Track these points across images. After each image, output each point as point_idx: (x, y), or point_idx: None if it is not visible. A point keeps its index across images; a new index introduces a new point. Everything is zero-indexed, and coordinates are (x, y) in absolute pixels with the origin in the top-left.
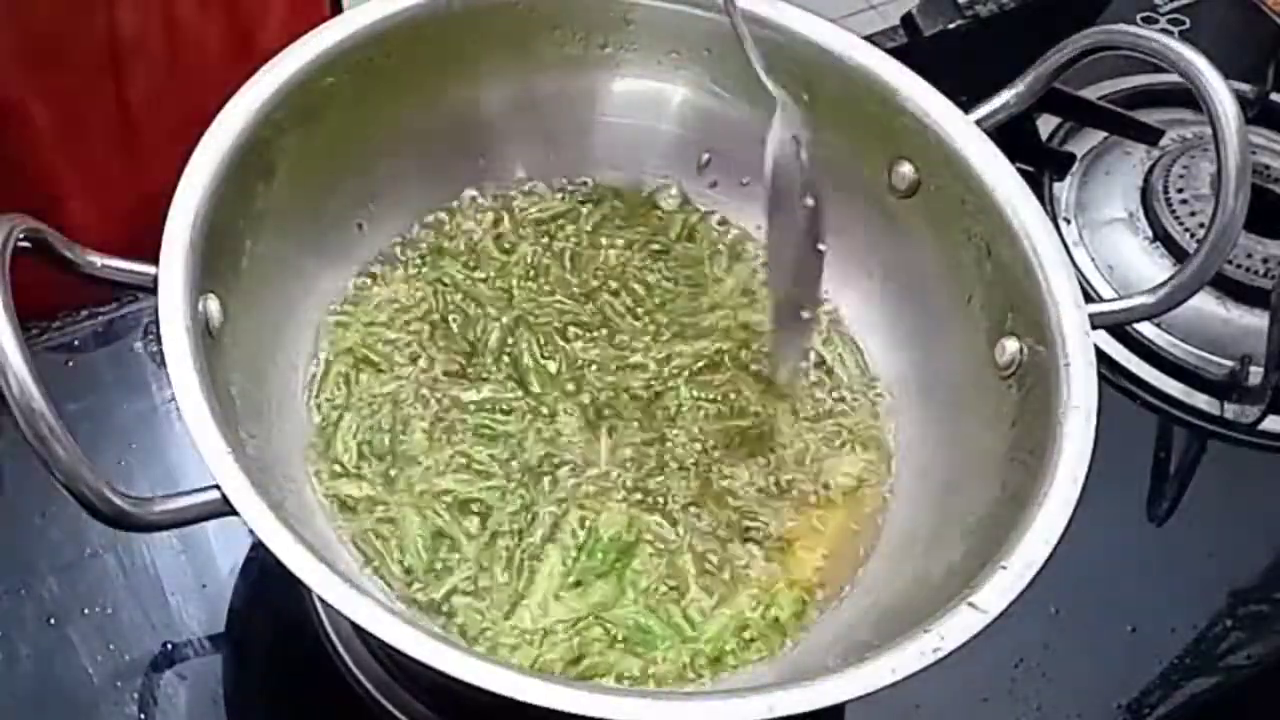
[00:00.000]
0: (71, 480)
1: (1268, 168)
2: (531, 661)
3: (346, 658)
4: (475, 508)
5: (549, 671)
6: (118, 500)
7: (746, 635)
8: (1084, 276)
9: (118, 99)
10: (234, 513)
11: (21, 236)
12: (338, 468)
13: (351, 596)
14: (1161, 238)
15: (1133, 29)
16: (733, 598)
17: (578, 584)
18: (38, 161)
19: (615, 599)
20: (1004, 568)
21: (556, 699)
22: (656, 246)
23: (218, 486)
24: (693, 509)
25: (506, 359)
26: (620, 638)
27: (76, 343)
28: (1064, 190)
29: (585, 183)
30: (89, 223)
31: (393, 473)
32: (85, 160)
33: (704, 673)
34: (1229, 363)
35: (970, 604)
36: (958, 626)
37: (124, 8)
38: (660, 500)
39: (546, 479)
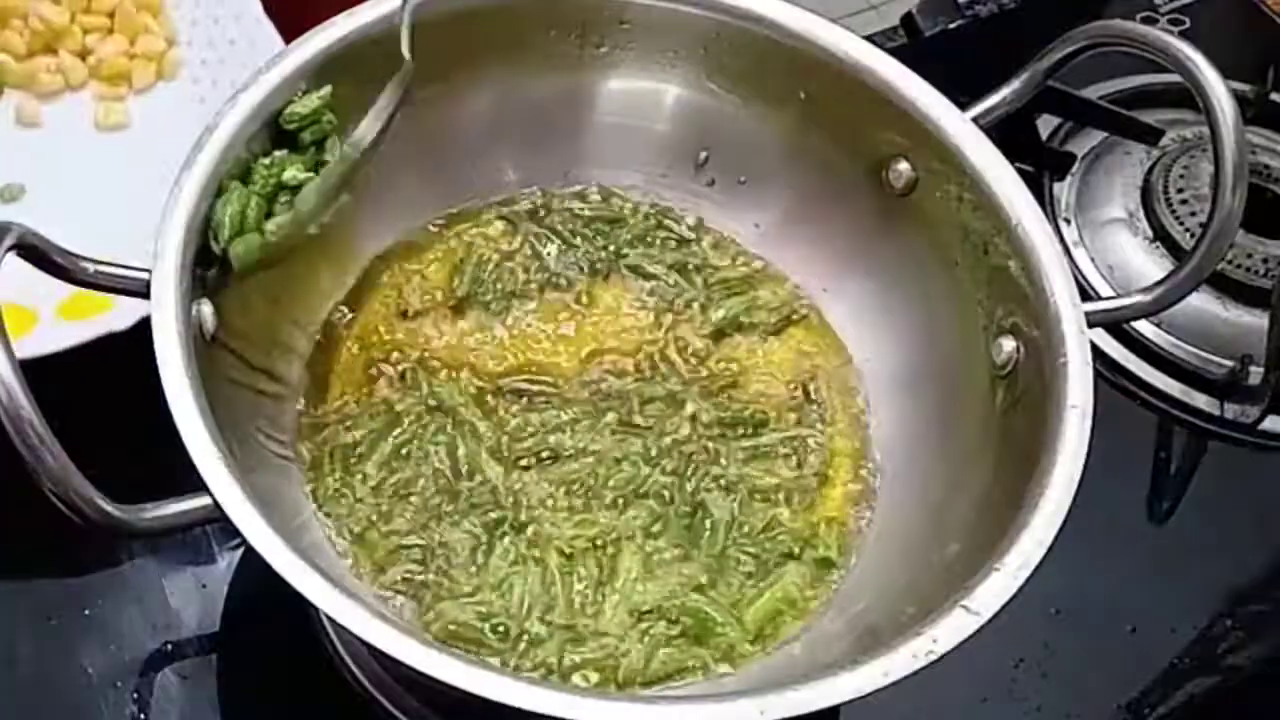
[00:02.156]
0: (61, 488)
1: (1267, 167)
2: (612, 674)
3: (346, 657)
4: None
5: (631, 681)
6: (108, 508)
7: (795, 597)
8: (1084, 276)
9: None
10: (226, 519)
11: (15, 242)
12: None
13: (345, 604)
14: (1161, 237)
15: (1129, 24)
16: (775, 567)
17: (650, 575)
18: None
19: (676, 588)
20: (998, 569)
21: (551, 704)
22: None
23: (210, 493)
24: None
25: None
26: (682, 630)
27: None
28: (1064, 190)
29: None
30: None
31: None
32: None
33: (767, 643)
34: (1229, 363)
35: (964, 606)
36: (951, 629)
37: None
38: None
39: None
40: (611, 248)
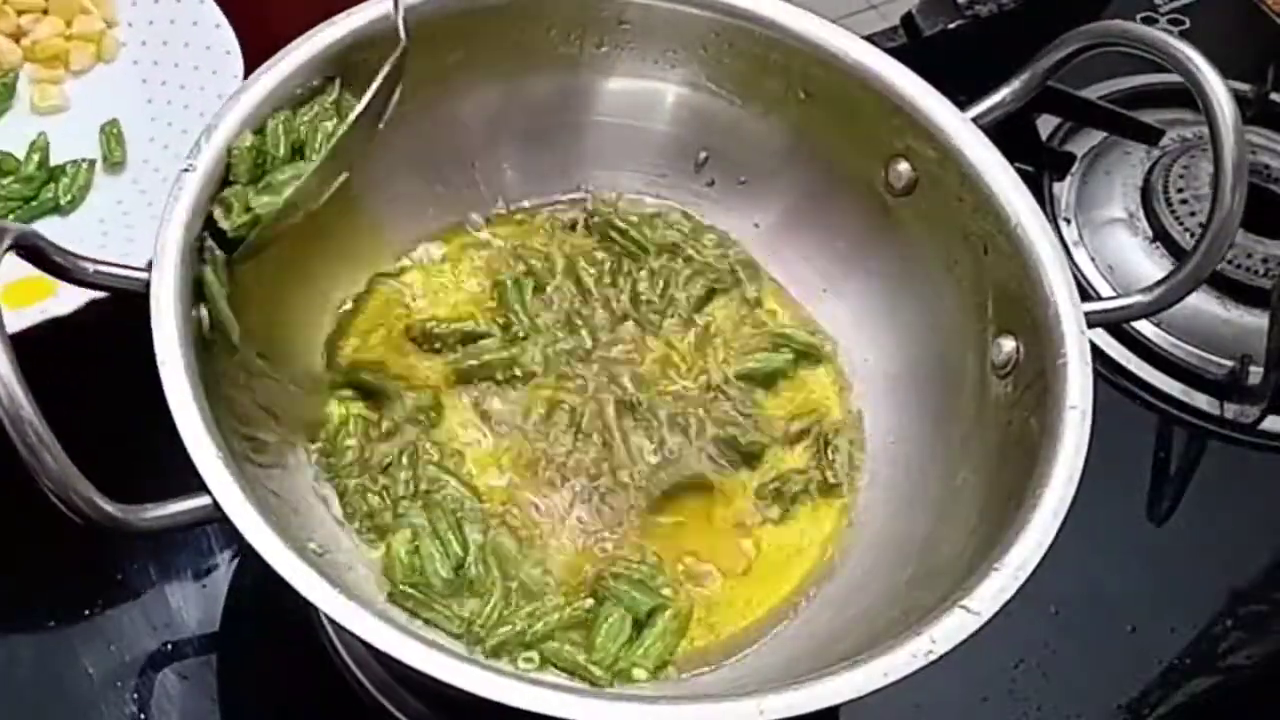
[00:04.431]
0: (60, 489)
1: (1267, 167)
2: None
3: (345, 657)
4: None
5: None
6: (108, 508)
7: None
8: (1084, 276)
9: None
10: (225, 519)
11: (14, 242)
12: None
13: (343, 603)
14: (1161, 237)
15: (1128, 25)
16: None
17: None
18: None
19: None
20: (997, 569)
21: (550, 704)
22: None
23: (210, 493)
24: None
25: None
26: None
27: (69, 345)
28: (1064, 190)
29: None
30: None
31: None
32: None
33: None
34: (1229, 363)
35: (963, 606)
36: (950, 629)
37: None
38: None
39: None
40: (622, 268)
